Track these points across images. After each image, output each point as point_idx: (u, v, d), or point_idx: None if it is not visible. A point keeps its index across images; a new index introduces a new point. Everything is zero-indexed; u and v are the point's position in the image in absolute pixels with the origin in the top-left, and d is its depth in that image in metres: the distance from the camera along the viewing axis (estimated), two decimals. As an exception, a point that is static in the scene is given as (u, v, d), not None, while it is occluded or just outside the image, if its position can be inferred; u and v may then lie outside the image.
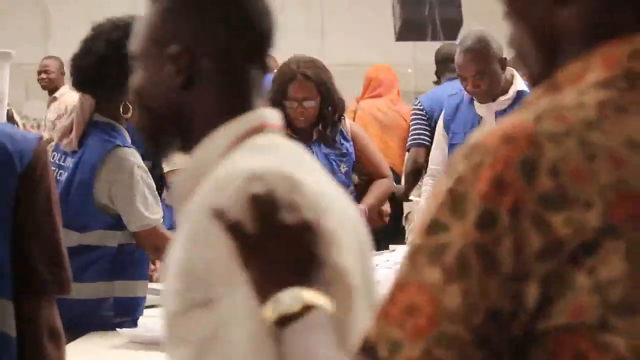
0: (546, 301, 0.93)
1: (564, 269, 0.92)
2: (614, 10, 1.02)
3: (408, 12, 10.36)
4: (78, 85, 3.29)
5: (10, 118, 5.47)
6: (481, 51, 4.11)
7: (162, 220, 3.27)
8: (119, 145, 3.18)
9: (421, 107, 5.20)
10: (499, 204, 0.93)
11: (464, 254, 0.93)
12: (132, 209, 3.17)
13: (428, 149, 4.88)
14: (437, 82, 5.82)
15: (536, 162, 0.93)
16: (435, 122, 4.77)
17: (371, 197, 4.14)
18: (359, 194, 4.11)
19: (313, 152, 3.96)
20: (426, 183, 4.50)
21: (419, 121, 5.14)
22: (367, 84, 6.34)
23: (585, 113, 0.96)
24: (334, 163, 4.03)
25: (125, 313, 3.19)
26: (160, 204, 3.30)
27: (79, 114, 3.26)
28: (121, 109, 3.21)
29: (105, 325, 3.15)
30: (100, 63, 3.13)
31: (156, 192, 3.27)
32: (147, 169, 3.25)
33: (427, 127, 5.08)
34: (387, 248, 3.98)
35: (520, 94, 4.15)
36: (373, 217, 4.04)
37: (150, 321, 3.06)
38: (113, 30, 3.14)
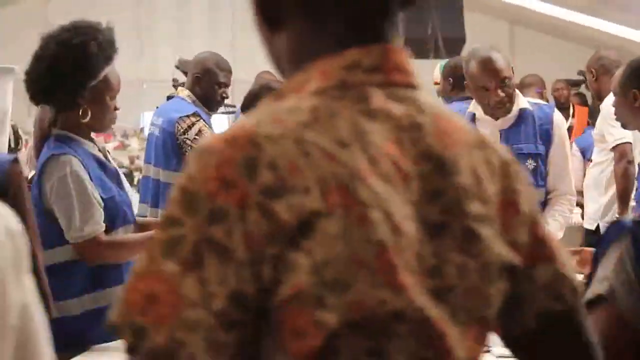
0: (276, 282, 1.04)
1: (287, 251, 1.03)
2: (313, 35, 1.17)
3: (410, 31, 10.40)
4: (35, 96, 3.18)
5: (15, 133, 5.45)
6: (499, 59, 4.05)
7: (103, 228, 3.13)
8: (54, 154, 3.10)
9: None
10: (227, 199, 1.04)
11: (198, 247, 1.03)
12: (66, 220, 3.09)
13: None
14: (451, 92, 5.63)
15: (257, 160, 1.05)
16: None
17: None
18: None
19: None
20: None
21: None
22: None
23: (301, 116, 1.09)
24: None
25: (97, 324, 3.13)
26: (101, 213, 3.13)
27: (36, 131, 3.18)
28: (80, 113, 3.14)
29: (105, 337, 3.11)
30: (53, 66, 3.07)
31: (98, 200, 3.12)
32: (87, 177, 3.11)
33: None
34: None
35: (522, 112, 4.13)
36: None
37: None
38: (61, 32, 3.10)
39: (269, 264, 1.04)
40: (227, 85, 5.13)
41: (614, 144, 5.11)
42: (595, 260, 1.38)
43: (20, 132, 8.61)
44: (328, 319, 1.03)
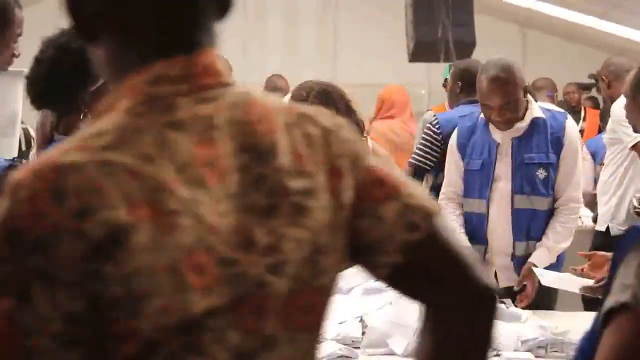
0: (98, 295, 1.12)
1: (103, 266, 1.10)
2: (122, 51, 1.22)
3: (421, 34, 10.39)
4: (35, 101, 3.15)
5: (26, 135, 5.46)
6: (507, 81, 4.01)
7: None
8: None
9: (437, 126, 5.09)
10: (42, 229, 1.11)
11: (25, 279, 1.11)
12: None
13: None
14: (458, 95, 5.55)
15: (63, 188, 1.11)
16: (445, 144, 4.71)
17: None
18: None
19: None
20: (444, 206, 4.30)
21: (428, 139, 5.11)
22: (380, 105, 6.34)
23: (106, 139, 1.15)
24: None
25: None
26: None
27: (38, 136, 3.17)
28: (82, 118, 3.10)
29: None
30: (53, 69, 3.05)
31: None
32: None
33: (435, 149, 5.07)
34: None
35: (535, 121, 4.12)
36: None
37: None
38: (60, 36, 3.07)
39: (91, 280, 1.11)
40: None
41: (634, 142, 5.07)
42: (613, 267, 1.36)
43: (32, 135, 8.65)
44: (142, 326, 1.12)
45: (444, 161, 4.54)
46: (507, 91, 4.01)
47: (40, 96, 3.13)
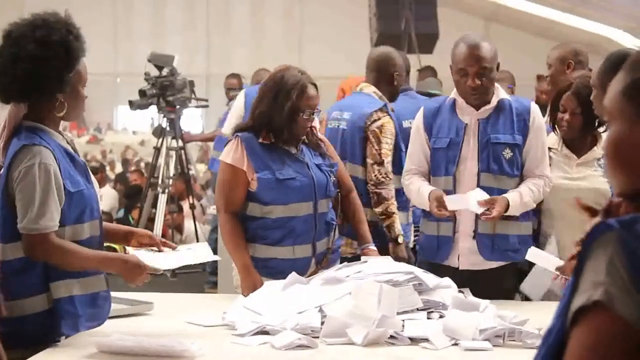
0: None
1: None
2: None
3: (384, 25, 10.42)
4: (11, 94, 3.12)
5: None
6: (486, 48, 4.12)
7: (56, 228, 3.07)
8: (26, 145, 3.05)
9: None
10: None
11: None
12: (23, 209, 3.03)
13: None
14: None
15: None
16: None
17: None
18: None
19: (305, 162, 3.99)
20: (409, 181, 4.34)
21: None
22: (341, 95, 6.35)
23: None
24: (326, 173, 4.02)
25: (67, 314, 3.10)
26: (59, 212, 3.07)
27: (5, 125, 3.13)
28: (56, 107, 3.12)
29: (72, 331, 3.12)
30: (36, 66, 3.04)
31: (59, 198, 3.07)
32: (57, 173, 3.06)
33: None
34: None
35: (501, 103, 4.17)
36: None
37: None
38: (33, 29, 3.06)
39: None
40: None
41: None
42: (580, 263, 1.33)
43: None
44: None
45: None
46: (484, 57, 4.10)
47: (18, 93, 3.11)
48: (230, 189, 3.96)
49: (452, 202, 4.04)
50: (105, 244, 3.33)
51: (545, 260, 3.77)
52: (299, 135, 3.98)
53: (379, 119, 4.89)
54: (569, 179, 4.32)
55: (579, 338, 1.28)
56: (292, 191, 3.91)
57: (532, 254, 3.82)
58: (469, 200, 4.03)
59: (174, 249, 3.46)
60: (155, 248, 3.40)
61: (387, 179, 4.84)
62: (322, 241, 4.00)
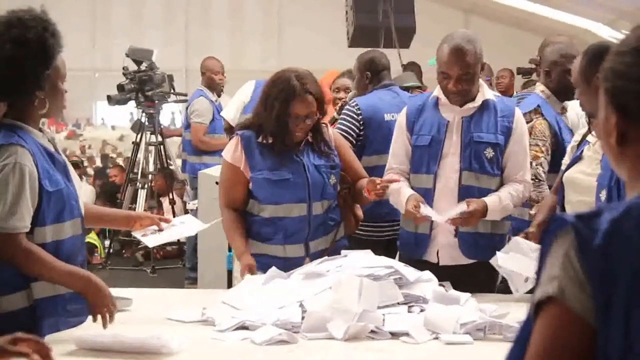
0: None
1: None
2: None
3: (362, 19, 10.40)
4: None
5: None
6: (469, 52, 4.05)
7: (26, 230, 3.03)
8: (3, 145, 3.01)
9: (358, 109, 5.30)
10: None
11: None
12: None
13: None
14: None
15: None
16: (364, 125, 5.17)
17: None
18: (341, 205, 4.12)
19: (304, 164, 3.99)
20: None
21: (350, 120, 5.27)
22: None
23: None
24: (324, 175, 4.02)
25: (49, 313, 3.07)
26: (30, 214, 3.04)
27: None
28: (37, 105, 3.09)
29: (55, 328, 3.10)
30: (12, 66, 3.00)
31: (33, 200, 3.03)
32: (34, 173, 3.02)
33: (355, 128, 5.25)
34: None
35: (485, 103, 4.15)
36: None
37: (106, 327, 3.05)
38: (7, 28, 3.02)
39: None
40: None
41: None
42: (541, 257, 1.36)
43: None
44: None
45: (364, 144, 5.11)
46: (467, 62, 4.05)
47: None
48: (230, 186, 4.07)
49: (427, 209, 4.01)
50: (86, 238, 3.31)
51: (517, 264, 3.70)
52: (290, 140, 3.97)
53: None
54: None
55: (538, 330, 1.32)
56: (285, 192, 3.95)
57: (502, 258, 3.75)
58: (443, 217, 3.98)
59: (169, 222, 3.73)
60: (156, 227, 3.67)
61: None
62: (317, 241, 4.01)
